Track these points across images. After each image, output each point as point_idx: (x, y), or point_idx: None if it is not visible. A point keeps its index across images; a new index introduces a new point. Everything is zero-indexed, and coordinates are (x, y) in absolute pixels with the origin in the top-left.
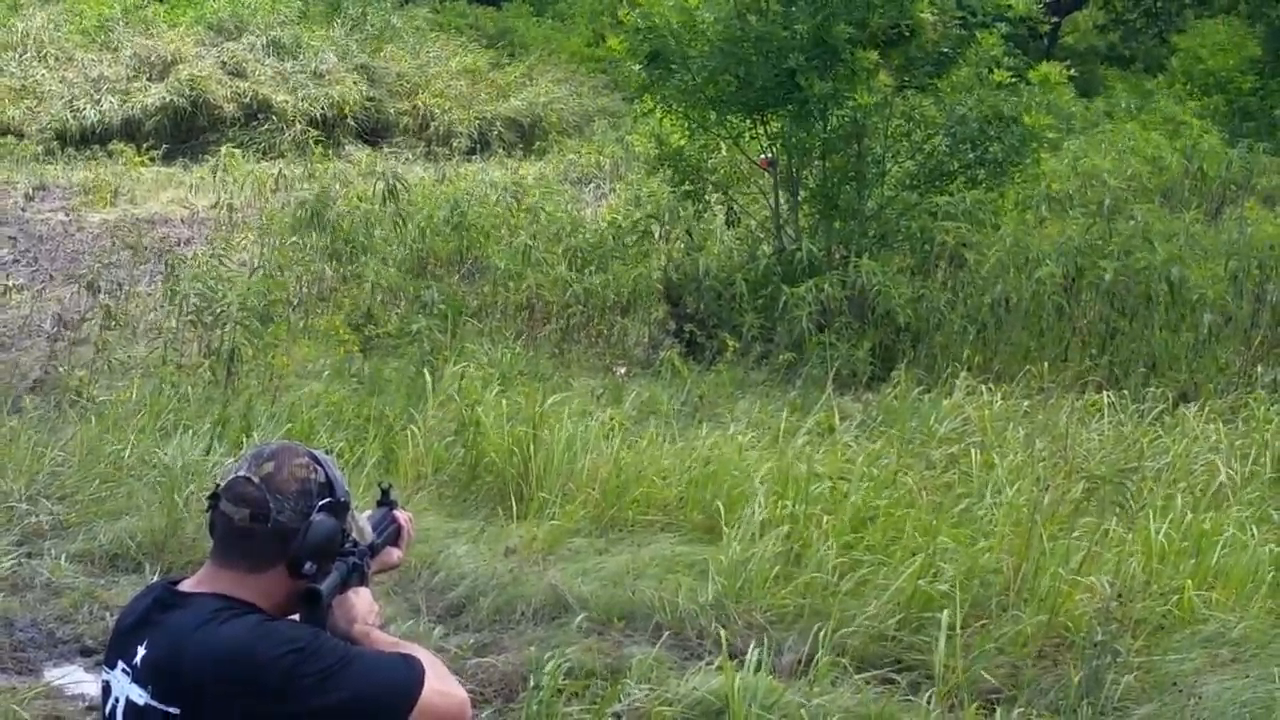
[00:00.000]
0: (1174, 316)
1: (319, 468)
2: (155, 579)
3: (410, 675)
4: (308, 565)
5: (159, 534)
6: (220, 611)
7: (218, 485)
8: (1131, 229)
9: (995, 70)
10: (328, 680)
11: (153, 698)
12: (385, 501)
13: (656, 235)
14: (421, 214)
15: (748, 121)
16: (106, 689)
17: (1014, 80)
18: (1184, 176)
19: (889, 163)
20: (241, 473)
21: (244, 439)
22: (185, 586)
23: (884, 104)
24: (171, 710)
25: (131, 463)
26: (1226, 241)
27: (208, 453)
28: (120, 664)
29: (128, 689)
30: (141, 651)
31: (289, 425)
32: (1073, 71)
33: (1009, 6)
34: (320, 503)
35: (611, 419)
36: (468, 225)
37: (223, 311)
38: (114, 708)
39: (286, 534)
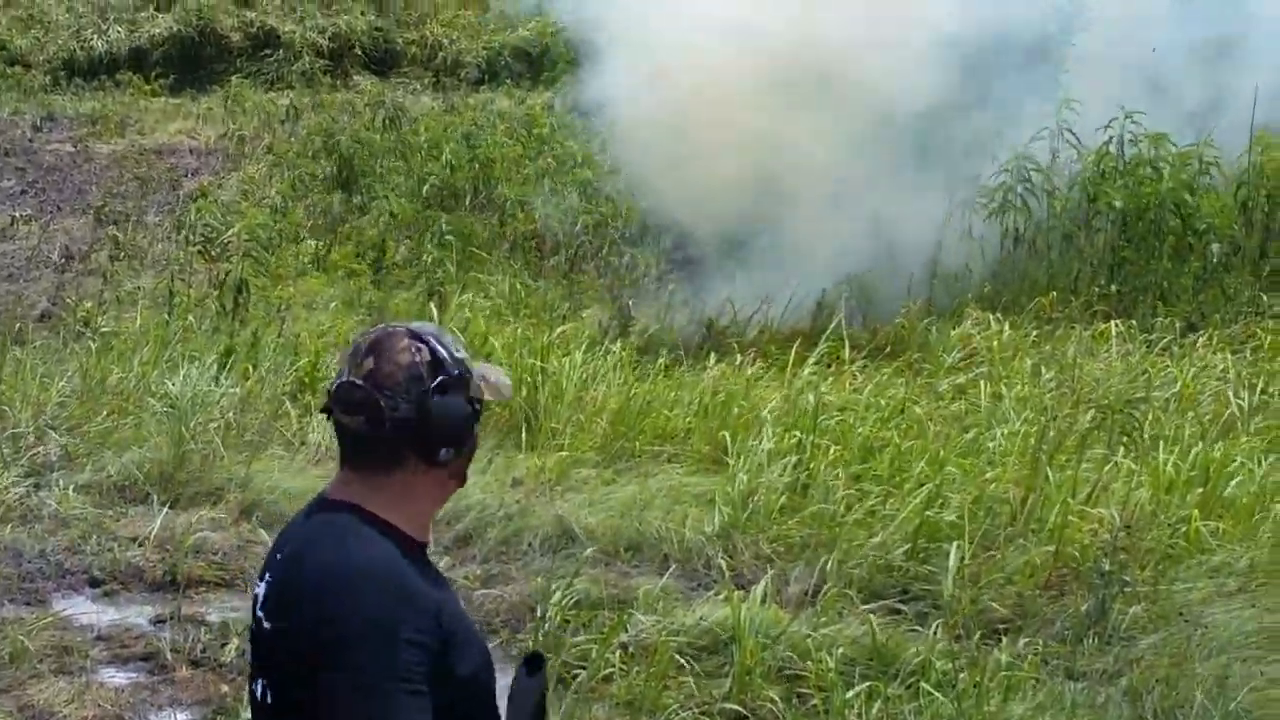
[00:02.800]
0: (1182, 246)
1: (422, 345)
2: (162, 510)
3: None
4: (443, 452)
5: (166, 465)
6: (346, 529)
7: (329, 393)
8: (1139, 157)
9: None
10: (342, 676)
11: (271, 616)
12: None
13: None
14: (430, 145)
15: None
16: (254, 603)
17: None
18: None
19: None
20: (345, 377)
21: (250, 369)
22: (328, 493)
23: None
24: (278, 626)
25: (139, 394)
26: (1236, 169)
27: (215, 384)
28: (268, 575)
29: (260, 598)
30: (276, 565)
31: (296, 358)
32: None
33: None
34: (433, 384)
35: (620, 350)
36: (477, 156)
37: (230, 242)
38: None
39: (408, 427)
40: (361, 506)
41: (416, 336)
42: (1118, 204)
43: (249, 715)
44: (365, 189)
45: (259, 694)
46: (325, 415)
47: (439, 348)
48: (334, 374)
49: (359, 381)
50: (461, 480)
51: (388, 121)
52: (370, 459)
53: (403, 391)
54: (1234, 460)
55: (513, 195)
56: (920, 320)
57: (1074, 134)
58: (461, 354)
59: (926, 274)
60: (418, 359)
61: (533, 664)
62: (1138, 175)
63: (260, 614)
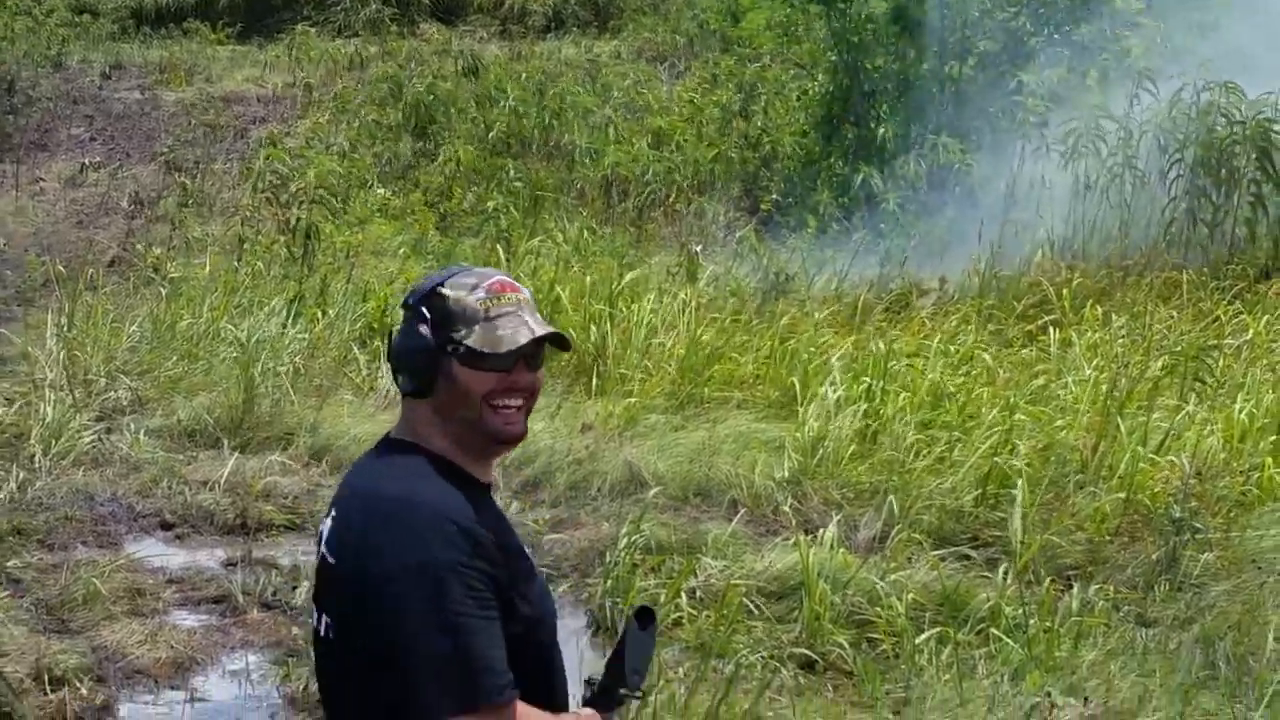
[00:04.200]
0: (1257, 193)
1: (437, 288)
2: (233, 455)
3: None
4: (402, 379)
5: (236, 410)
6: (407, 466)
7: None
8: (1214, 106)
9: None
10: (405, 609)
11: (327, 544)
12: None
13: (734, 113)
14: (499, 92)
15: None
16: (318, 539)
17: None
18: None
19: (971, 40)
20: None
21: (319, 315)
22: (391, 432)
23: None
24: (333, 561)
25: (208, 339)
26: None
27: (284, 329)
28: (333, 512)
29: (325, 534)
30: (344, 496)
31: (365, 303)
32: None
33: None
34: (418, 317)
35: (689, 297)
36: (546, 104)
37: (299, 189)
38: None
39: (390, 355)
40: (419, 445)
41: (442, 279)
42: (1190, 151)
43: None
44: (434, 136)
45: (321, 630)
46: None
47: (434, 287)
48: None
49: (401, 310)
50: (472, 427)
51: (461, 69)
52: (400, 383)
53: (406, 322)
54: None
55: (581, 143)
56: (991, 267)
57: (1152, 80)
58: (468, 296)
59: (997, 221)
60: (436, 300)
61: (643, 617)
62: (1207, 123)
63: (324, 550)
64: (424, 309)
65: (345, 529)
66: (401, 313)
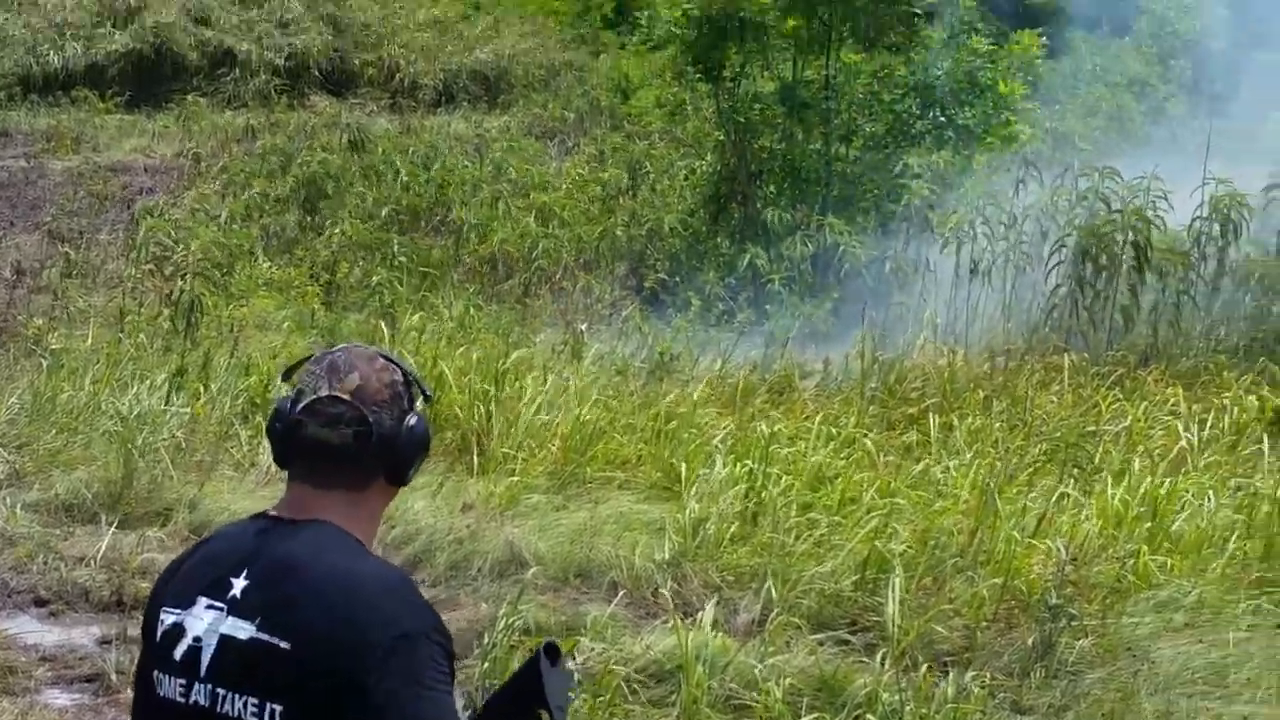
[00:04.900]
0: (1136, 279)
1: (395, 366)
2: (110, 530)
3: None
4: (410, 472)
5: (115, 484)
6: (344, 542)
7: (288, 409)
8: (1094, 191)
9: (974, 36)
10: (405, 687)
11: (261, 630)
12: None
13: (620, 192)
14: (387, 167)
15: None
16: (174, 630)
17: (993, 46)
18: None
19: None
20: (324, 392)
21: (201, 389)
22: (282, 513)
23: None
24: (282, 645)
25: (89, 412)
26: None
27: (165, 403)
28: (204, 600)
29: (222, 625)
30: (241, 584)
31: (247, 378)
32: (1043, 39)
33: None
34: (410, 403)
35: (573, 375)
36: (433, 179)
37: (183, 261)
38: (192, 649)
39: (389, 444)
40: (337, 524)
41: (388, 358)
42: (1071, 236)
43: None
44: (320, 210)
45: (241, 716)
46: (281, 430)
47: (407, 369)
48: (289, 390)
49: (345, 396)
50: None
51: (349, 143)
52: (343, 476)
53: (388, 408)
54: (1182, 495)
55: (469, 218)
56: (874, 350)
57: (1035, 165)
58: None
59: (882, 303)
60: (396, 378)
61: (551, 654)
62: (1088, 209)
63: (256, 634)
64: (429, 396)
65: (288, 608)
66: (413, 403)
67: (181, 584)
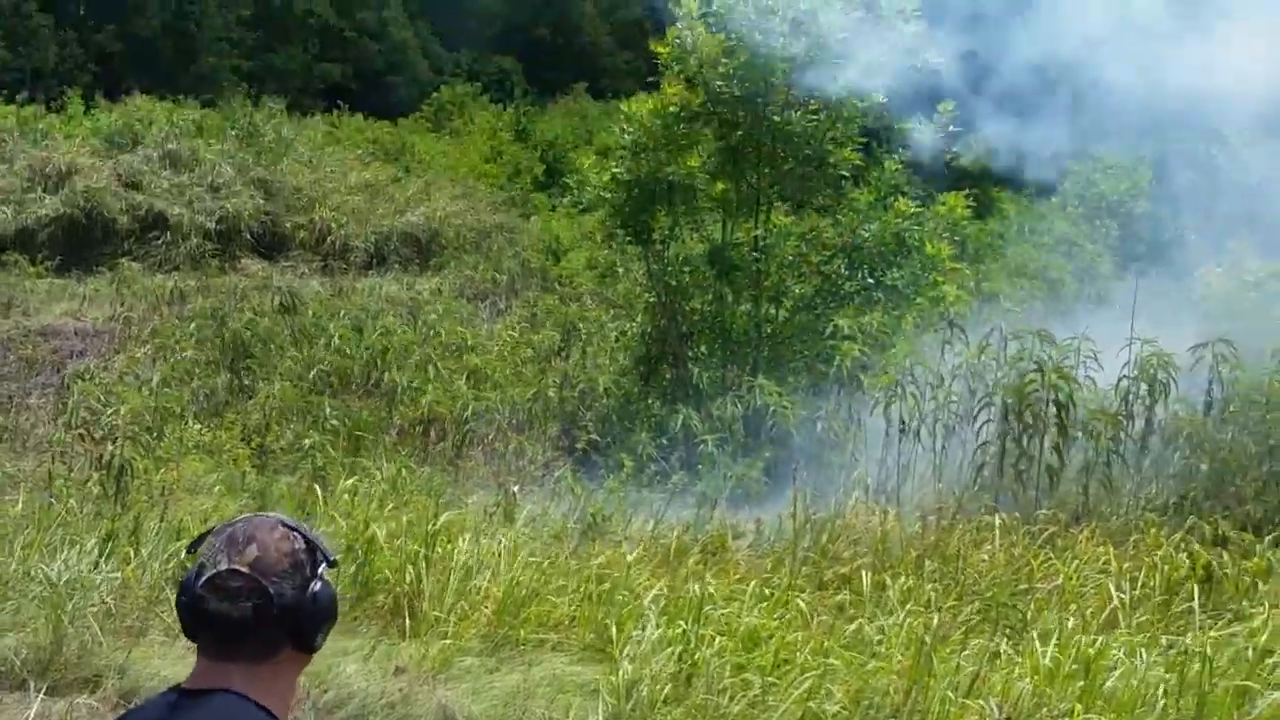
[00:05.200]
0: (1065, 438)
1: (296, 534)
2: (39, 697)
3: None
4: (319, 638)
5: (44, 651)
6: (246, 712)
7: (192, 584)
8: (1022, 352)
9: (900, 198)
10: None
11: None
12: None
13: (552, 353)
14: (318, 329)
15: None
16: None
17: (919, 208)
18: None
19: (786, 284)
20: (224, 566)
21: (131, 554)
22: (191, 685)
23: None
24: None
25: (18, 578)
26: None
27: (95, 568)
28: None
29: None
30: None
31: (178, 542)
32: (970, 200)
33: (910, 134)
34: (313, 571)
35: (506, 537)
36: (364, 342)
37: (114, 425)
38: None
39: (293, 613)
40: (245, 695)
41: (289, 526)
42: (998, 397)
43: None
44: (252, 372)
45: None
46: (186, 605)
47: (310, 536)
48: (195, 564)
49: (243, 569)
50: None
51: (280, 305)
52: (248, 648)
53: (289, 578)
54: (1114, 652)
55: (401, 381)
56: (806, 510)
57: (961, 327)
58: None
59: (813, 463)
60: (297, 546)
61: None
62: (1017, 369)
63: None
64: (333, 562)
65: None
66: (316, 569)
67: None
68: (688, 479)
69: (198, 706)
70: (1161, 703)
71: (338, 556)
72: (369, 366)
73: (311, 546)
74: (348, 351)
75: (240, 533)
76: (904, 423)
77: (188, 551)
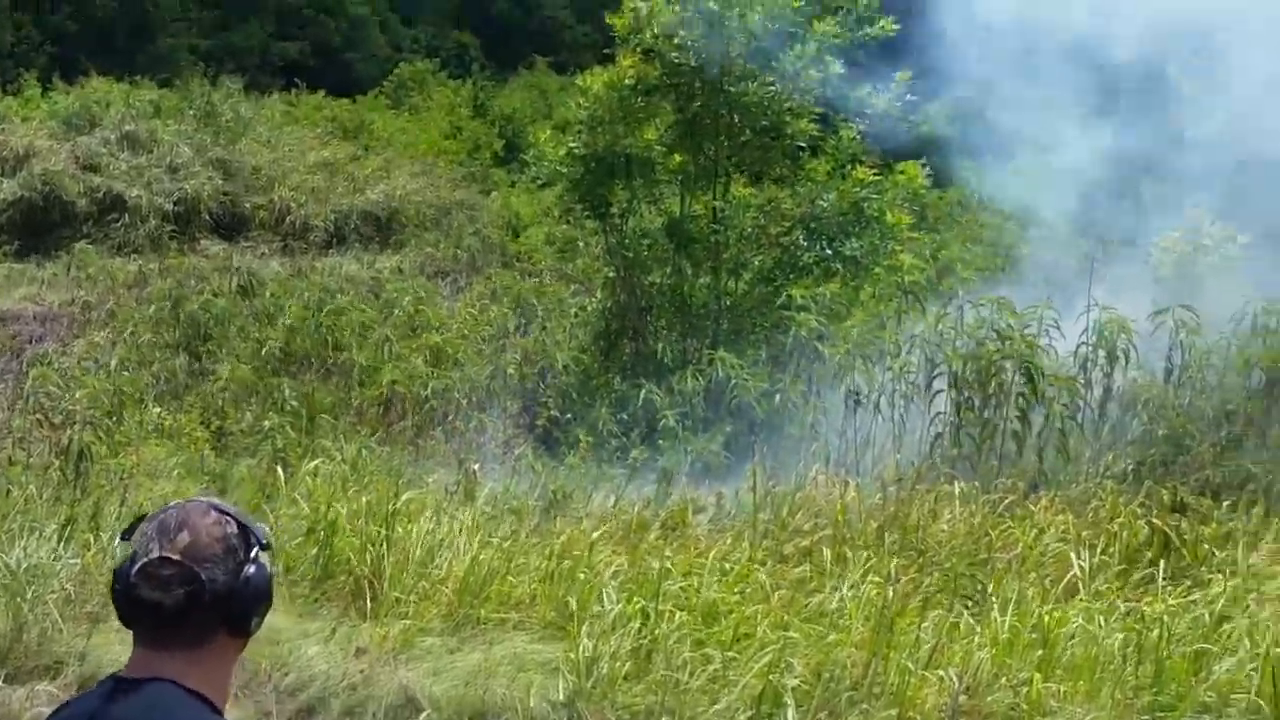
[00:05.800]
0: (1030, 405)
1: (228, 518)
2: None
3: None
4: (254, 621)
5: (4, 638)
6: (180, 704)
7: (126, 573)
8: (981, 320)
9: (857, 167)
10: None
11: None
12: None
13: (512, 330)
14: (277, 309)
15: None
16: None
17: (877, 177)
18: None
19: (745, 256)
20: (155, 553)
21: (91, 540)
22: (127, 674)
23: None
24: None
25: None
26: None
27: (55, 554)
28: None
29: None
30: None
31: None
32: (928, 169)
33: (870, 104)
34: (246, 554)
35: (466, 516)
36: (324, 323)
37: (72, 410)
38: None
39: (225, 598)
40: (179, 683)
41: (222, 510)
42: (956, 366)
43: None
44: (211, 354)
45: None
46: (120, 591)
47: (243, 519)
48: (128, 552)
49: (175, 557)
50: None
51: (239, 287)
52: (182, 635)
53: (221, 563)
54: (1073, 621)
55: (360, 360)
56: (766, 483)
57: (918, 297)
58: (261, 526)
59: (773, 436)
60: (229, 530)
61: None
62: (977, 337)
63: None
64: (268, 544)
65: None
66: (249, 553)
67: None
68: (648, 454)
69: (132, 696)
70: (1120, 669)
71: (299, 539)
72: (326, 346)
73: (244, 530)
74: (305, 333)
75: (172, 519)
76: (859, 394)
77: (122, 539)
